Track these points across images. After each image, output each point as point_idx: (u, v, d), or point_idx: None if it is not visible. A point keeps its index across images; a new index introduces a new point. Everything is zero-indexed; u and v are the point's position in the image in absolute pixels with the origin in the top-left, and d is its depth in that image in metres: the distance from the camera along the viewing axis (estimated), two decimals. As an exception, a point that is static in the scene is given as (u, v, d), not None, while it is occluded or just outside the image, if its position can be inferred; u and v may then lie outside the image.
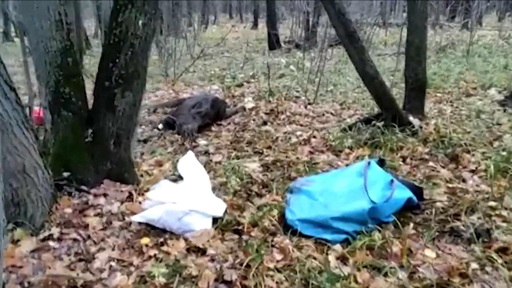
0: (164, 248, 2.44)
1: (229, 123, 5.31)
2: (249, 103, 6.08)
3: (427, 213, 2.87)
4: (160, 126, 4.96)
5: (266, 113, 5.66)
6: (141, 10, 2.87)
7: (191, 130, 4.65)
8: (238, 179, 3.37)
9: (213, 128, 5.06)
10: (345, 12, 3.80)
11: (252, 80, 8.00)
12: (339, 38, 4.21)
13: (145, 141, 4.47)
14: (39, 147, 2.49)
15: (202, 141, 4.53)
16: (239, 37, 17.77)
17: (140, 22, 2.89)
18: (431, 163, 3.76)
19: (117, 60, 2.89)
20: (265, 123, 5.22)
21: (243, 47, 14.12)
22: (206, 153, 4.18)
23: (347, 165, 3.79)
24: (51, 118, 2.89)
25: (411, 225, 2.70)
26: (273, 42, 13.02)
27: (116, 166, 3.03)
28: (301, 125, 5.16)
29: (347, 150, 4.14)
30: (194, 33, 13.10)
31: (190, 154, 3.04)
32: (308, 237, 2.57)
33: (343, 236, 2.52)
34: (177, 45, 10.98)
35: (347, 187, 2.68)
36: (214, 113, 5.08)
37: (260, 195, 3.20)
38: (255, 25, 23.34)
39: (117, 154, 3.02)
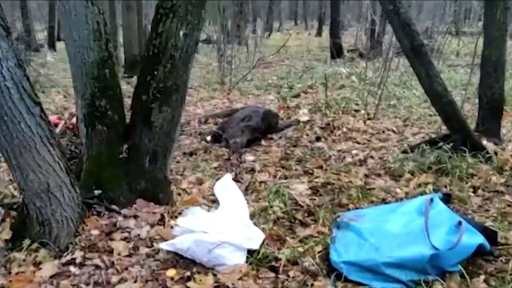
0: (190, 284, 2.20)
1: (281, 137, 5.02)
2: (303, 115, 5.76)
3: (501, 261, 2.42)
4: (209, 138, 4.78)
5: (321, 128, 5.32)
6: (183, 20, 2.67)
7: (239, 145, 4.42)
8: (281, 204, 3.08)
9: (263, 142, 4.80)
10: (411, 22, 3.40)
11: (310, 91, 7.67)
12: (403, 51, 3.79)
13: (191, 154, 4.29)
14: (66, 164, 2.33)
15: (249, 157, 4.28)
16: (301, 44, 17.45)
17: (181, 32, 2.69)
18: (507, 197, 3.26)
19: (155, 73, 2.70)
20: (318, 139, 4.88)
21: (305, 55, 13.81)
22: (252, 170, 3.92)
23: (406, 193, 3.38)
24: (85, 132, 2.75)
25: (482, 276, 2.27)
26: (336, 51, 12.58)
27: (151, 185, 2.84)
28: (358, 143, 4.77)
29: (407, 175, 3.71)
30: (255, 40, 12.94)
31: (228, 177, 2.79)
32: (355, 283, 2.22)
33: (397, 286, 2.15)
34: (237, 52, 10.93)
35: (403, 227, 2.30)
36: (264, 127, 4.82)
37: (304, 224, 2.88)
38: (319, 32, 22.93)
39: (153, 172, 2.83)
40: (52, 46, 15.36)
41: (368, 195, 3.33)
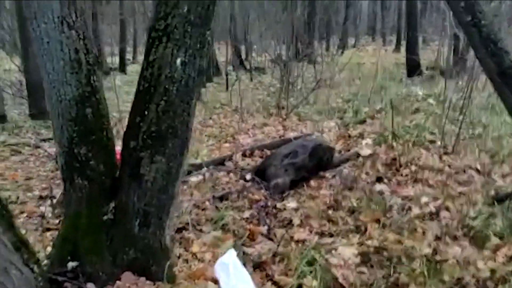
0: None
1: (334, 176, 4.23)
2: (365, 148, 4.91)
3: None
4: (248, 177, 4.12)
5: (384, 164, 4.45)
6: (181, 44, 2.06)
7: (280, 187, 3.72)
8: (315, 282, 2.32)
9: (311, 183, 4.04)
10: (497, 38, 2.50)
11: (378, 116, 6.76)
12: (487, 75, 2.88)
13: (221, 198, 3.65)
14: (14, 238, 1.79)
15: (290, 203, 3.55)
16: (377, 61, 16.34)
17: (179, 60, 2.07)
18: None
19: (146, 113, 2.11)
20: (380, 179, 4.04)
21: (378, 73, 12.76)
22: (290, 223, 3.19)
23: (492, 271, 2.46)
24: (64, 187, 2.21)
25: None
26: (413, 68, 11.44)
27: (142, 254, 2.22)
28: (430, 186, 3.85)
29: (494, 240, 2.78)
30: (323, 58, 12.18)
31: (231, 253, 2.11)
32: None
33: None
34: (304, 71, 10.25)
35: None
36: (313, 165, 4.07)
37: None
38: (397, 48, 21.57)
39: (144, 239, 2.22)
40: (122, 69, 15.69)
41: (437, 272, 2.46)
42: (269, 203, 3.53)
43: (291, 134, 5.76)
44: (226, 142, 5.61)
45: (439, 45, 14.35)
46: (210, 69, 12.09)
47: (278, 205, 3.54)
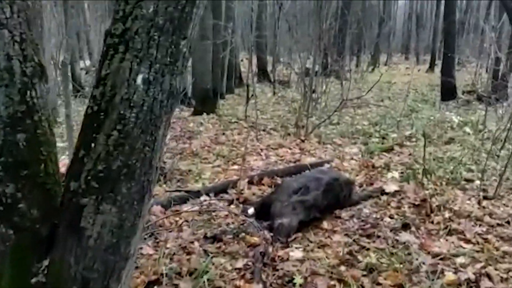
0: None
1: (352, 217, 3.61)
2: (391, 183, 4.27)
3: None
4: (250, 211, 3.55)
5: (413, 205, 3.82)
6: (143, 57, 1.51)
7: (285, 229, 3.12)
8: None
9: (323, 224, 3.42)
10: None
11: (407, 144, 6.09)
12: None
13: (214, 238, 3.07)
14: None
15: (295, 252, 2.94)
16: (409, 81, 15.53)
17: (140, 77, 1.52)
18: None
19: (93, 145, 1.56)
20: (406, 226, 3.39)
21: (410, 94, 12.02)
22: (290, 282, 2.58)
23: None
24: (-16, 235, 1.67)
25: None
26: (448, 92, 10.68)
27: (79, 333, 1.66)
28: (467, 241, 3.19)
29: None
30: (351, 74, 11.52)
31: None
32: None
33: None
34: (331, 87, 9.62)
35: None
36: (327, 203, 3.46)
37: None
38: (431, 67, 20.71)
39: (84, 314, 1.65)
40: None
41: None
42: (270, 249, 2.93)
43: (307, 160, 5.14)
44: (234, 163, 5.04)
45: (477, 67, 13.53)
46: (232, 80, 11.59)
47: (280, 253, 2.93)
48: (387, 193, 4.07)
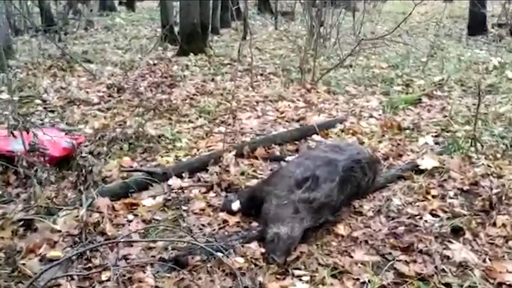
0: None
1: (378, 212, 2.56)
2: (426, 156, 3.17)
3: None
4: (235, 206, 2.50)
5: (462, 191, 2.76)
6: None
7: (283, 243, 2.09)
8: None
9: (339, 228, 2.38)
10: None
11: (439, 94, 4.91)
12: None
13: (176, 262, 2.02)
14: None
15: (296, 286, 1.92)
16: (426, 12, 13.90)
17: None
18: None
19: None
20: (457, 231, 2.35)
21: (430, 28, 10.56)
22: None
23: None
24: None
25: None
26: (476, 25, 9.26)
27: None
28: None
29: None
30: (364, 6, 10.02)
31: None
32: None
33: None
34: (341, 20, 8.24)
35: None
36: (344, 198, 2.40)
37: None
38: (450, -4, 18.71)
39: None
40: (130, 5, 13.80)
41: None
42: (257, 280, 1.92)
43: (314, 119, 4.01)
44: (221, 124, 3.94)
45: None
46: (229, 11, 10.08)
47: (274, 286, 1.92)
48: (422, 170, 3.00)
